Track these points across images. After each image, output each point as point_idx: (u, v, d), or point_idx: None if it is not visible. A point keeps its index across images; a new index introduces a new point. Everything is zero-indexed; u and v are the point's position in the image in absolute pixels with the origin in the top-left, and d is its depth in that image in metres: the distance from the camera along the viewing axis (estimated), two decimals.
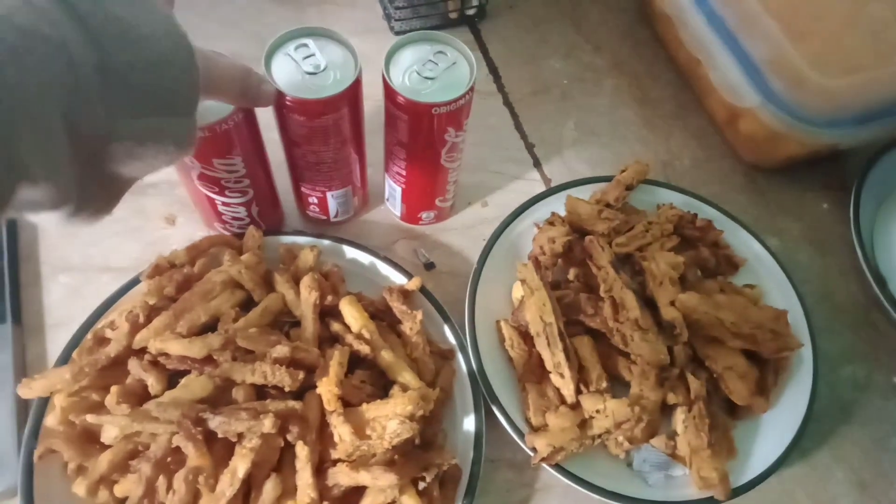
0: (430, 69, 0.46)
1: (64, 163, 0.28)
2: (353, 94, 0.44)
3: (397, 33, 0.71)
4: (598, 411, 0.46)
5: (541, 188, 0.63)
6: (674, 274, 0.50)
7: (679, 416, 0.48)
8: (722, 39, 0.61)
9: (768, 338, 0.49)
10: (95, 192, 0.32)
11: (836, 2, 0.60)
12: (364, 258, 0.54)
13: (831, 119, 0.57)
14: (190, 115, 0.32)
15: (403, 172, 0.52)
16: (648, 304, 0.49)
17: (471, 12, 0.72)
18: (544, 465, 0.45)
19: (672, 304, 0.48)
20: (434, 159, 0.50)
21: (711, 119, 0.69)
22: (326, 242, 0.53)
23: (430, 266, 0.58)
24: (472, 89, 0.45)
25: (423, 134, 0.47)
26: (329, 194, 0.53)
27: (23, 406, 0.47)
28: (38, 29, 0.25)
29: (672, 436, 0.48)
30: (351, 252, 0.54)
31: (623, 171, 0.58)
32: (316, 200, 0.54)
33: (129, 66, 0.29)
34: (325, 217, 0.56)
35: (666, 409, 0.49)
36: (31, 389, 0.43)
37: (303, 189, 0.53)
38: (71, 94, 0.27)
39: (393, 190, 0.56)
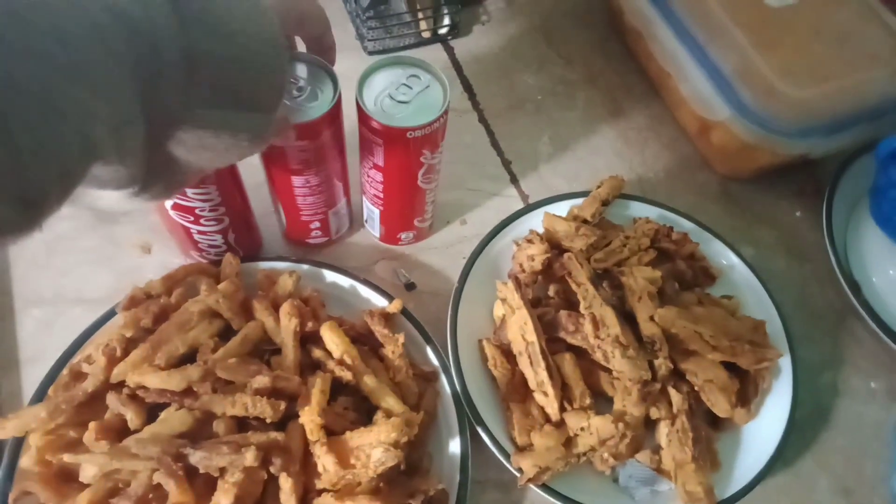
0: (404, 93, 0.46)
1: (137, 145, 0.28)
2: (337, 110, 0.44)
3: (370, 53, 0.71)
4: (582, 429, 0.46)
5: (518, 204, 0.63)
6: (652, 288, 0.50)
7: (663, 431, 0.48)
8: (691, 52, 0.62)
9: (747, 349, 0.50)
10: (160, 177, 0.32)
11: (803, 11, 0.61)
12: (344, 281, 0.53)
13: (801, 129, 0.58)
14: (271, 113, 0.33)
15: (381, 195, 0.52)
16: (628, 318, 0.50)
17: (443, 31, 0.73)
18: (531, 485, 0.45)
19: (651, 318, 0.48)
20: (411, 181, 0.50)
21: (684, 131, 0.70)
22: (305, 267, 0.53)
23: (410, 286, 0.57)
24: (446, 112, 0.45)
25: (398, 157, 0.47)
26: (330, 213, 0.53)
27: None
28: (127, 10, 0.25)
29: (657, 450, 0.48)
30: (331, 276, 0.53)
31: (599, 186, 0.58)
32: (318, 224, 0.54)
33: (216, 59, 0.29)
34: (326, 238, 0.57)
35: (649, 424, 0.49)
36: (5, 430, 0.42)
37: (303, 218, 0.53)
38: (152, 78, 0.27)
39: (371, 212, 0.55)
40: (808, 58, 0.59)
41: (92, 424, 0.42)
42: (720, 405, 0.49)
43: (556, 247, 0.55)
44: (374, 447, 0.40)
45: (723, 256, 0.59)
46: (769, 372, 0.52)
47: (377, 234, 0.58)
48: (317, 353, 0.47)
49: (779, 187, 0.68)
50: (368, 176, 0.51)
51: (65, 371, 0.46)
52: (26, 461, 0.42)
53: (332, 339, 0.47)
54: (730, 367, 0.50)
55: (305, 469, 0.42)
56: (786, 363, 0.53)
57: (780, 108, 0.57)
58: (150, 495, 0.40)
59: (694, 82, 0.62)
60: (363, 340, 0.50)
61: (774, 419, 0.51)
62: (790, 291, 0.61)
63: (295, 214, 0.52)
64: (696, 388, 0.49)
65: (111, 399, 0.43)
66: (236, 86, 0.30)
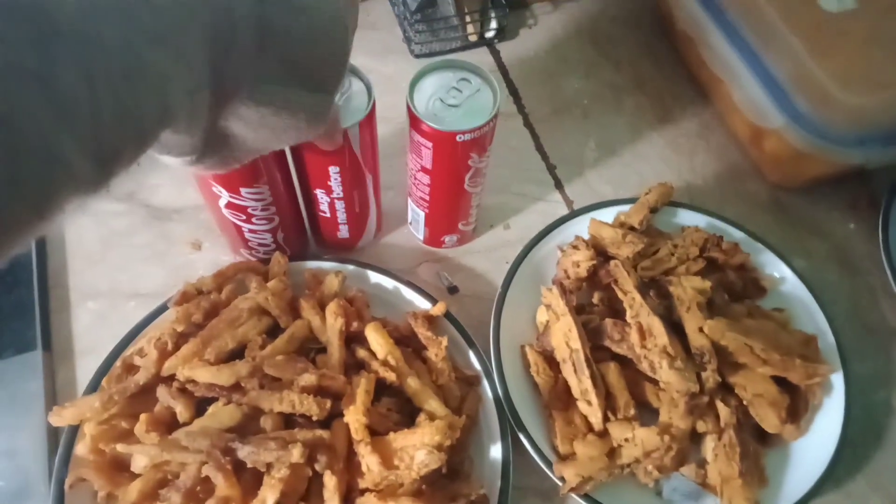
0: (454, 96, 0.46)
1: (203, 115, 0.28)
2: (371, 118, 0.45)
3: (417, 56, 0.71)
4: (626, 440, 0.46)
5: (563, 210, 0.63)
6: (701, 299, 0.49)
7: (709, 445, 0.47)
8: (744, 58, 0.61)
9: (798, 364, 0.48)
10: (216, 151, 0.33)
11: (861, 17, 0.59)
12: (388, 283, 0.54)
13: (858, 138, 0.56)
14: (332, 94, 0.33)
15: (427, 197, 0.52)
16: (674, 328, 0.49)
17: (490, 34, 0.73)
18: (573, 494, 0.45)
19: (700, 330, 0.47)
20: (458, 184, 0.50)
21: (735, 138, 0.69)
22: (351, 267, 0.54)
23: (453, 290, 0.57)
24: (496, 116, 0.45)
25: (446, 160, 0.48)
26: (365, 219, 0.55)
27: (52, 433, 0.47)
28: None
29: (702, 464, 0.47)
30: (375, 277, 0.54)
31: (647, 192, 0.57)
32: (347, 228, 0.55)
33: (286, 32, 0.29)
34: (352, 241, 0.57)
35: (695, 437, 0.48)
36: (62, 417, 0.44)
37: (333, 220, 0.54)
38: (225, 48, 0.27)
39: (416, 214, 0.56)
40: (866, 65, 0.57)
41: (143, 416, 0.44)
42: (769, 420, 0.48)
43: (601, 254, 0.54)
44: (418, 449, 0.41)
45: (773, 268, 0.57)
46: (820, 388, 0.51)
47: (421, 237, 0.58)
48: (361, 353, 0.47)
49: (831, 198, 0.66)
50: (416, 178, 0.51)
51: (118, 363, 0.47)
52: (81, 449, 0.43)
53: (377, 340, 0.47)
54: (780, 382, 0.49)
55: (348, 468, 0.43)
56: (838, 379, 0.51)
57: (837, 116, 0.55)
58: (198, 487, 0.41)
59: (747, 89, 0.61)
60: (406, 342, 0.50)
61: (825, 437, 0.49)
62: (842, 305, 0.59)
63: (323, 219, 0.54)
64: (744, 403, 0.48)
65: (161, 392, 0.45)
66: (303, 62, 0.31)
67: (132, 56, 0.22)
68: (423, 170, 0.49)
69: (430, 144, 0.46)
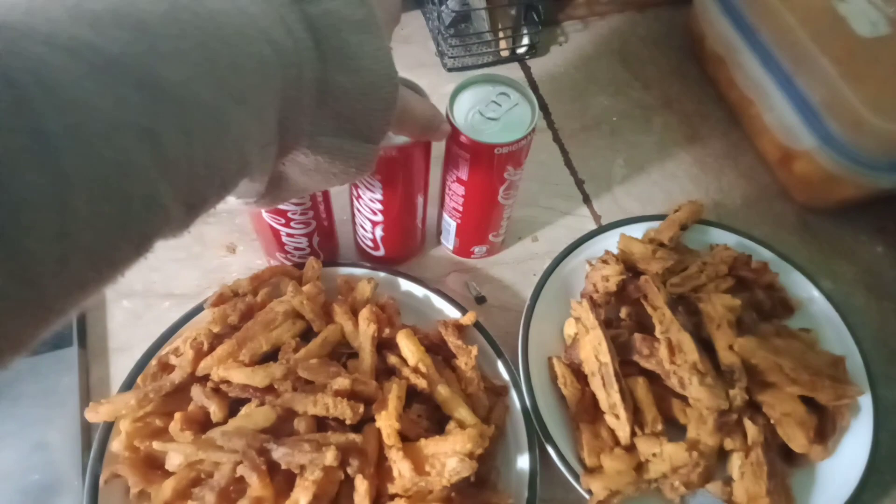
0: (493, 110, 0.47)
1: (271, 165, 0.31)
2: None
3: (450, 70, 0.72)
4: (654, 455, 0.46)
5: (590, 224, 0.64)
6: (731, 317, 0.49)
7: (735, 462, 0.47)
8: (776, 81, 0.61)
9: (828, 384, 0.48)
10: (271, 192, 0.36)
11: (893, 43, 0.60)
12: (418, 291, 0.54)
13: (889, 163, 0.56)
14: (377, 143, 0.35)
15: (460, 208, 0.53)
16: (703, 345, 0.49)
17: (521, 50, 0.74)
18: None
19: (730, 347, 0.48)
20: (492, 196, 0.51)
21: (763, 159, 0.69)
22: (382, 274, 0.54)
23: (481, 300, 0.58)
24: (533, 130, 0.46)
25: (482, 172, 0.48)
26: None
27: (86, 429, 0.48)
28: (281, 43, 0.28)
29: (728, 482, 0.47)
30: (406, 285, 0.54)
31: (677, 210, 0.58)
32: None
33: (344, 90, 0.32)
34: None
35: (721, 455, 0.48)
36: (98, 413, 0.44)
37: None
38: (291, 105, 0.29)
39: (447, 224, 0.56)
40: None
41: (177, 415, 0.44)
42: (797, 440, 0.47)
43: (631, 269, 0.54)
44: (450, 456, 0.41)
45: (801, 289, 0.57)
46: (849, 409, 0.50)
47: (451, 247, 0.59)
48: (392, 359, 0.48)
49: (859, 222, 0.66)
50: (450, 189, 0.52)
51: (153, 362, 0.48)
52: (116, 445, 0.44)
53: (408, 347, 0.48)
54: (807, 402, 0.49)
55: (378, 472, 0.43)
56: (866, 402, 0.51)
57: (869, 140, 0.56)
58: (231, 487, 0.41)
59: (779, 111, 0.61)
60: (435, 350, 0.51)
61: (853, 459, 0.49)
62: (869, 329, 0.59)
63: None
64: (772, 421, 0.48)
65: (196, 391, 0.45)
66: (357, 117, 0.33)
67: (221, 115, 0.25)
68: (459, 181, 0.50)
69: (467, 156, 0.47)
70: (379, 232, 0.53)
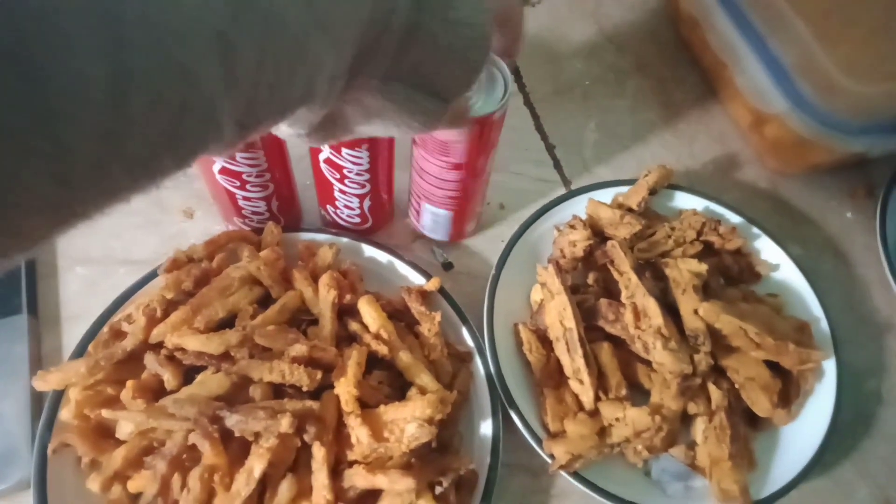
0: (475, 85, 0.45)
1: (334, 99, 0.29)
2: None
3: None
4: (617, 419, 0.46)
5: (560, 190, 0.63)
6: (697, 282, 0.49)
7: (699, 426, 0.47)
8: (750, 43, 0.60)
9: (792, 349, 0.48)
10: (325, 128, 0.33)
11: (869, 6, 0.59)
12: (382, 257, 0.53)
13: (862, 126, 0.56)
14: (450, 103, 0.33)
15: (456, 194, 0.51)
16: (669, 310, 0.48)
17: None
18: (562, 472, 0.45)
19: (695, 312, 0.47)
20: (483, 170, 0.49)
21: (736, 124, 0.68)
22: (345, 240, 0.53)
23: (448, 266, 0.57)
24: (511, 83, 0.44)
25: (482, 146, 0.46)
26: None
27: (37, 398, 0.47)
28: None
29: (691, 446, 0.47)
30: (369, 251, 0.53)
31: (646, 174, 0.57)
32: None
33: (433, 40, 0.29)
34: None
35: (685, 419, 0.48)
36: (47, 382, 0.43)
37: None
38: (372, 42, 0.27)
39: (438, 217, 0.54)
40: (873, 53, 0.56)
41: (129, 382, 0.43)
42: (761, 404, 0.47)
43: (598, 234, 0.54)
44: (409, 422, 0.40)
45: (769, 254, 0.57)
46: (812, 374, 0.51)
47: (445, 238, 0.57)
48: (353, 325, 0.47)
49: (830, 187, 0.66)
50: (441, 180, 0.49)
51: (105, 329, 0.46)
52: (66, 414, 0.43)
53: (370, 313, 0.47)
54: (772, 367, 0.49)
55: (337, 440, 0.42)
56: (830, 366, 0.51)
57: (841, 103, 0.55)
58: (184, 455, 0.40)
59: (751, 74, 0.60)
60: (399, 317, 0.50)
61: (815, 422, 0.49)
62: (836, 294, 0.59)
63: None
64: (735, 386, 0.48)
65: (149, 359, 0.44)
66: (436, 71, 0.30)
67: (301, 39, 0.23)
68: (455, 167, 0.47)
69: (466, 137, 0.45)
70: (367, 203, 0.52)
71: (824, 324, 0.53)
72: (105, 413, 0.41)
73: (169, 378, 0.43)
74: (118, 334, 0.46)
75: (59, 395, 0.44)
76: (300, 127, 0.32)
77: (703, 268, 0.50)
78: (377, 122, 0.33)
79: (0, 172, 0.16)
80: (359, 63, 0.27)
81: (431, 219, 0.54)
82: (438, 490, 0.42)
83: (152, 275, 0.49)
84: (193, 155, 0.22)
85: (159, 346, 0.44)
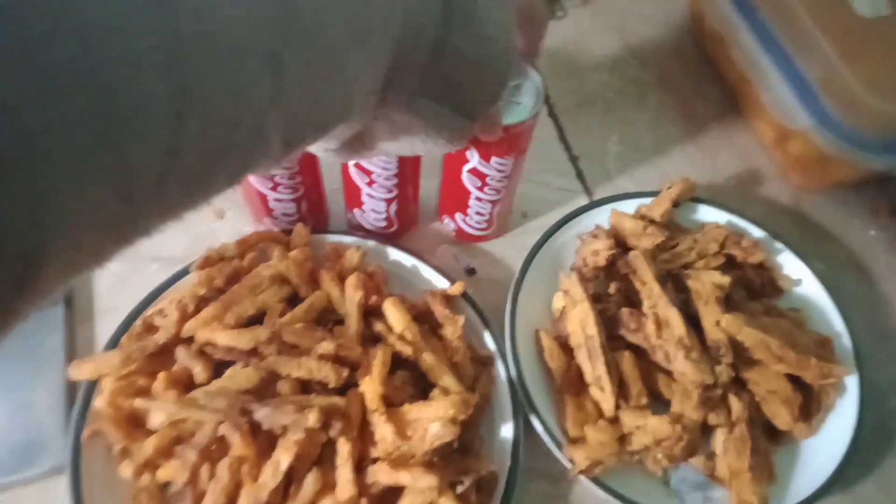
0: (511, 93, 0.46)
1: (367, 116, 0.29)
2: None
3: None
4: (637, 427, 0.46)
5: (583, 200, 0.63)
6: (719, 293, 0.49)
7: (719, 438, 0.47)
8: (775, 60, 0.61)
9: (814, 363, 0.48)
10: (352, 145, 0.34)
11: (893, 24, 0.59)
12: (407, 261, 0.54)
13: (885, 144, 0.56)
14: (476, 120, 0.33)
15: (497, 197, 0.53)
16: (690, 321, 0.49)
17: None
18: (581, 477, 0.45)
19: (717, 324, 0.48)
20: (519, 171, 0.52)
21: (759, 140, 0.69)
22: (371, 243, 0.54)
23: (471, 272, 0.58)
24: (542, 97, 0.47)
25: (519, 152, 0.49)
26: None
27: (72, 388, 0.48)
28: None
29: (711, 456, 0.47)
30: (394, 254, 0.54)
31: (669, 186, 0.57)
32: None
33: (459, 56, 0.29)
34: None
35: (705, 430, 0.48)
36: (81, 371, 0.44)
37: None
38: (402, 58, 0.27)
39: (484, 211, 0.55)
40: None
41: (161, 374, 0.44)
42: (781, 417, 0.48)
43: (621, 245, 0.54)
44: (432, 421, 0.41)
45: (792, 269, 0.57)
46: (834, 389, 0.50)
47: (485, 233, 0.58)
48: (378, 326, 0.48)
49: (853, 204, 0.66)
50: (491, 178, 0.51)
51: (138, 322, 0.48)
52: (99, 402, 0.44)
53: (395, 315, 0.47)
54: (793, 381, 0.49)
55: (362, 437, 0.43)
56: (852, 382, 0.51)
57: (865, 120, 0.55)
58: (213, 446, 0.41)
59: (776, 90, 0.61)
60: (423, 320, 0.50)
61: (836, 438, 0.49)
62: (858, 311, 0.59)
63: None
64: (756, 398, 0.48)
65: (180, 352, 0.45)
66: (465, 88, 0.31)
67: (341, 53, 0.24)
68: (500, 168, 0.50)
69: (512, 138, 0.47)
70: (393, 207, 0.53)
71: (846, 339, 0.53)
72: (138, 402, 0.42)
73: (199, 371, 0.44)
74: (150, 328, 0.47)
75: (92, 385, 0.45)
76: (332, 142, 0.33)
77: (725, 280, 0.50)
78: (404, 139, 0.33)
79: (66, 190, 0.16)
80: (390, 78, 0.28)
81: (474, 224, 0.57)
82: (459, 489, 0.42)
83: (183, 272, 0.50)
84: (244, 170, 0.23)
85: (190, 340, 0.46)
